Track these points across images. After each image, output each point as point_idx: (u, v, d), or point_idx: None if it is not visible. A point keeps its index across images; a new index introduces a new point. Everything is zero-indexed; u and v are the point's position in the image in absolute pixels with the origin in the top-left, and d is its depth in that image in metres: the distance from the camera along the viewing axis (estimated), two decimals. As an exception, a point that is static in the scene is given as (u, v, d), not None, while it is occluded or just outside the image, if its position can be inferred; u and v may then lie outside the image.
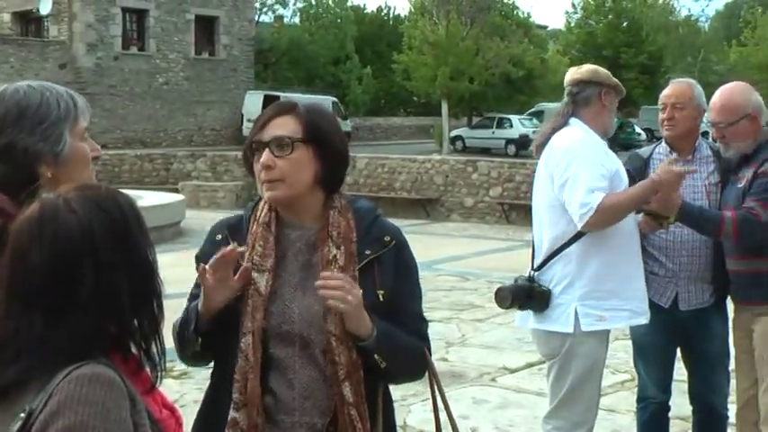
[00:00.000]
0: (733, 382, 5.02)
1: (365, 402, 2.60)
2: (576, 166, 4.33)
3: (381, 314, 2.60)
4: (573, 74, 4.71)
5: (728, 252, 4.71)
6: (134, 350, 1.96)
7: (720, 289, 4.86)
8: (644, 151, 5.11)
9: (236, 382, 2.56)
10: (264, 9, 58.62)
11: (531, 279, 4.55)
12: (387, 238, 2.70)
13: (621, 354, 7.20)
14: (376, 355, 2.57)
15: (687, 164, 4.85)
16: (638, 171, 4.78)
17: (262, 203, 2.72)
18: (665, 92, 4.90)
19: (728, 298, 4.93)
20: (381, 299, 2.63)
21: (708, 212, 4.61)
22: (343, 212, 2.69)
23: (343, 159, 2.73)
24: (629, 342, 5.26)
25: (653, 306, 4.67)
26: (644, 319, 4.55)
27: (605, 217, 4.27)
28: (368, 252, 2.65)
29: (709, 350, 4.95)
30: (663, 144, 5.02)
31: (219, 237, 2.71)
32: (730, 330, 4.94)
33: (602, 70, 4.72)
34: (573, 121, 4.57)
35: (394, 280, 2.66)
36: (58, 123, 2.40)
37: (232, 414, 2.56)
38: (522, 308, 4.57)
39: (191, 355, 2.69)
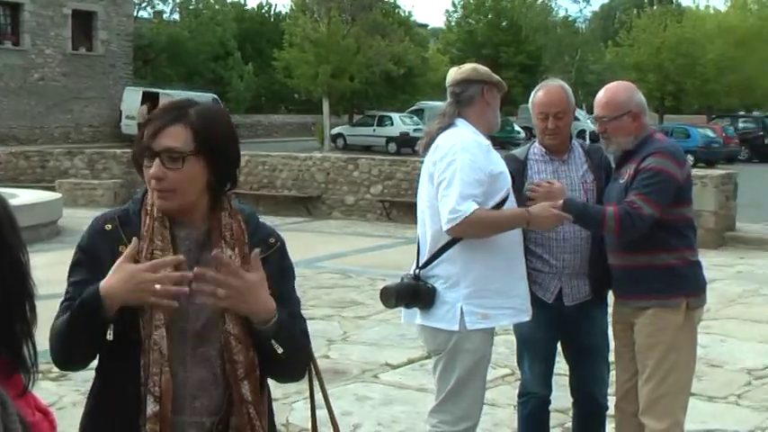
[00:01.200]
0: (613, 374, 5.14)
1: (263, 400, 2.60)
2: (453, 169, 4.36)
3: None
4: (454, 74, 4.74)
5: (610, 248, 4.82)
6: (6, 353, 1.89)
7: (601, 283, 4.96)
8: (520, 152, 5.16)
9: (153, 376, 2.49)
10: (143, 4, 57.66)
11: (416, 277, 4.57)
12: (272, 240, 2.72)
13: (502, 349, 7.29)
14: (274, 341, 2.55)
15: (563, 164, 4.98)
16: (516, 173, 4.82)
17: (149, 197, 2.65)
18: (542, 99, 4.96)
19: (609, 292, 5.05)
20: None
21: (591, 208, 4.72)
22: (234, 214, 2.68)
23: (235, 164, 2.69)
24: (511, 337, 5.33)
25: (537, 302, 4.75)
26: (526, 317, 4.62)
27: (469, 230, 4.34)
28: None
29: (591, 342, 5.07)
30: (537, 144, 5.10)
31: (110, 227, 2.63)
32: (610, 323, 5.07)
33: (482, 68, 4.75)
34: (459, 121, 4.59)
35: (277, 281, 2.64)
36: None
37: (152, 408, 2.48)
38: (408, 306, 4.59)
39: (84, 352, 2.59)
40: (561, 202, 4.52)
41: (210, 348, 2.58)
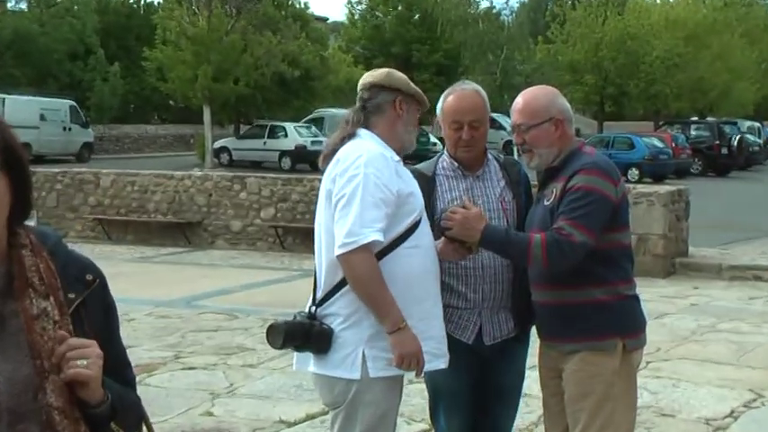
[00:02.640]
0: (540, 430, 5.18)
1: None
2: (355, 186, 4.35)
3: None
4: (366, 77, 4.76)
5: (534, 281, 4.84)
6: None
7: (525, 317, 5.01)
8: (426, 167, 5.17)
9: None
10: (-16, -7, 56.86)
11: (311, 315, 4.55)
12: (89, 277, 2.57)
13: (417, 399, 7.30)
14: (113, 424, 2.48)
15: (477, 180, 5.04)
16: (424, 192, 4.80)
17: None
18: (455, 106, 4.99)
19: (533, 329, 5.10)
20: None
21: (514, 236, 4.71)
22: (37, 250, 2.47)
23: (31, 184, 2.48)
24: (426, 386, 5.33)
25: (454, 343, 4.75)
26: (443, 363, 4.61)
27: (359, 266, 4.34)
28: (72, 296, 2.49)
29: (504, 382, 5.13)
30: (445, 157, 5.13)
31: None
32: (529, 365, 5.14)
33: (399, 75, 4.76)
34: (362, 132, 4.60)
35: (102, 326, 2.55)
36: None
37: None
38: (299, 349, 4.57)
39: None
40: (480, 229, 4.56)
41: (31, 425, 2.40)
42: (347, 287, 4.44)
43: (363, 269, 4.33)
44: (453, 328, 4.85)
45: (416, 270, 4.49)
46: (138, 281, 14.81)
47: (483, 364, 5.03)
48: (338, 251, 4.31)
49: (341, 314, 4.46)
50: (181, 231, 20.50)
